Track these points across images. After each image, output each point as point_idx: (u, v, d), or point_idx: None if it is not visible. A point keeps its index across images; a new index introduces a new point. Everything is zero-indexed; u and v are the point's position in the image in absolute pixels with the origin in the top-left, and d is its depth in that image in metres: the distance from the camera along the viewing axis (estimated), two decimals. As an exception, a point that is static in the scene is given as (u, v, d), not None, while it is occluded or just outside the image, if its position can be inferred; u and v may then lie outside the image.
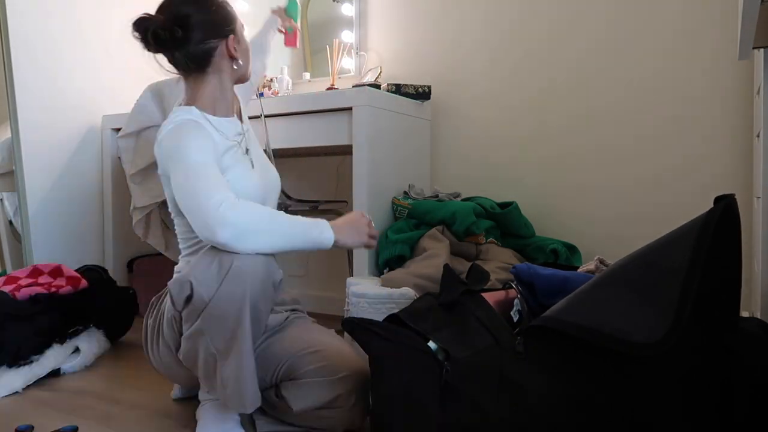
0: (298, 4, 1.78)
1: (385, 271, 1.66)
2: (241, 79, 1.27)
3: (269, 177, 1.29)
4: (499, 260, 1.63)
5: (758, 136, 1.36)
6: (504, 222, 1.73)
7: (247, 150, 1.26)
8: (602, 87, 1.80)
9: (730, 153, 1.64)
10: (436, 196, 1.88)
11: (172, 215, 1.22)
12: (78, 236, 2.25)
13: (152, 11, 1.19)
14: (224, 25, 1.19)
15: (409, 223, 1.76)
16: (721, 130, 1.65)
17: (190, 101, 1.22)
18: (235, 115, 1.29)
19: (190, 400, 1.37)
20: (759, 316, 1.24)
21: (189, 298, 1.03)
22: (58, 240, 2.18)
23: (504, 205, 1.76)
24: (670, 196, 1.71)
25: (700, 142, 1.67)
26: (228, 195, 1.03)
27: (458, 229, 1.67)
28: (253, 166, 1.24)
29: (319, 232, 1.06)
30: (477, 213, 1.70)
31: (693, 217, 0.92)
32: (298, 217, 1.07)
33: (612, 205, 1.79)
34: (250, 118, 1.90)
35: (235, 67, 1.22)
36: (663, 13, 1.71)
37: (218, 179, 1.06)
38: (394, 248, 1.65)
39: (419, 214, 1.74)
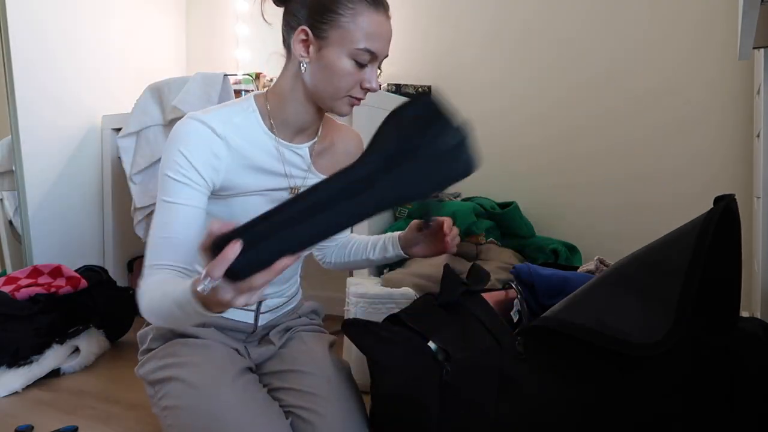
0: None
1: (385, 270, 1.66)
2: (318, 102, 0.99)
3: None
4: (499, 260, 1.63)
5: (758, 136, 1.36)
6: (504, 222, 1.73)
7: (295, 192, 1.04)
8: (602, 87, 1.80)
9: (729, 153, 1.64)
10: (437, 196, 1.88)
11: None
12: (78, 236, 2.25)
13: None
14: (312, 12, 0.94)
15: (409, 222, 1.76)
16: (721, 130, 1.64)
17: (272, 87, 1.03)
18: (308, 148, 1.05)
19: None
20: (759, 316, 1.24)
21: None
22: (58, 240, 2.18)
23: (504, 205, 1.77)
24: (671, 195, 1.71)
25: (700, 142, 1.67)
26: (154, 264, 0.90)
27: (458, 228, 1.68)
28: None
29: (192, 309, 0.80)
30: (477, 213, 1.70)
31: (693, 216, 0.92)
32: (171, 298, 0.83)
33: (612, 205, 1.79)
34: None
35: (302, 69, 0.96)
36: (662, 13, 1.71)
37: (165, 241, 0.90)
38: None
39: (419, 215, 1.75)
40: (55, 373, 1.57)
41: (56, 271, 1.79)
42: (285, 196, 1.03)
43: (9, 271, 2.04)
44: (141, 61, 2.48)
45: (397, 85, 1.88)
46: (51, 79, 2.14)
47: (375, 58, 0.96)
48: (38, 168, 2.11)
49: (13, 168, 2.07)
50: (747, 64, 1.60)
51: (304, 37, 0.95)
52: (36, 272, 1.79)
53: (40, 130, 2.11)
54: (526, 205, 1.90)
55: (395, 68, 2.18)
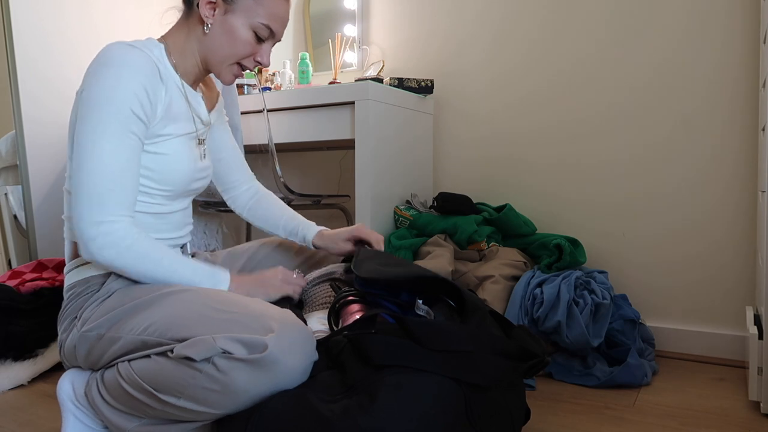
0: None
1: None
2: (208, 63, 1.05)
3: (205, 174, 1.14)
4: (505, 258, 1.63)
5: (763, 129, 1.35)
6: (503, 225, 1.74)
7: (201, 141, 1.12)
8: (605, 80, 1.79)
9: (734, 146, 1.63)
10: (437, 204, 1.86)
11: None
12: (82, 231, 2.26)
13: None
14: None
15: (411, 231, 1.77)
16: (726, 122, 1.63)
17: (164, 36, 1.06)
18: (203, 98, 1.12)
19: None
20: (763, 310, 1.24)
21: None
22: (63, 235, 2.19)
23: (499, 209, 1.77)
24: (672, 188, 1.70)
25: (703, 134, 1.66)
26: (119, 221, 0.91)
27: (460, 238, 1.69)
28: (203, 157, 1.11)
29: (212, 284, 0.99)
30: (477, 222, 1.71)
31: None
32: (193, 266, 0.97)
33: (614, 199, 1.78)
34: (252, 112, 1.92)
35: (205, 31, 1.02)
36: (666, 6, 1.69)
37: (121, 177, 0.91)
38: (397, 254, 1.66)
39: (420, 225, 1.76)
40: (60, 366, 1.58)
41: (61, 266, 1.80)
42: (194, 141, 1.08)
43: (14, 265, 2.05)
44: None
45: (400, 79, 1.87)
46: (55, 74, 2.15)
47: (272, 36, 1.05)
48: (42, 162, 2.12)
49: (18, 162, 2.08)
50: (752, 56, 1.59)
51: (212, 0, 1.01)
52: (41, 266, 1.80)
53: (44, 125, 2.12)
54: (531, 198, 1.89)
55: (398, 62, 2.17)
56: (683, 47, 1.68)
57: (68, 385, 1.01)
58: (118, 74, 0.91)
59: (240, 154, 1.28)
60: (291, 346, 0.82)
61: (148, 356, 0.88)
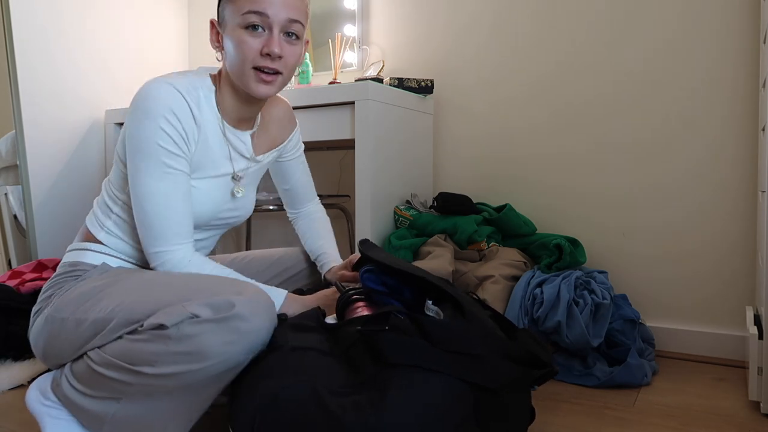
0: None
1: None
2: (238, 85, 1.03)
3: (239, 211, 1.17)
4: (504, 258, 1.63)
5: (763, 129, 1.35)
6: (503, 225, 1.74)
7: (237, 178, 1.12)
8: (604, 81, 1.79)
9: (734, 146, 1.63)
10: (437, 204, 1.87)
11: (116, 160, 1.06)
12: (82, 231, 2.26)
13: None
14: (224, 4, 1.01)
15: (411, 231, 1.77)
16: (725, 122, 1.63)
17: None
18: (250, 135, 1.13)
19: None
20: (763, 310, 1.24)
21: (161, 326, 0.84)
22: (63, 234, 2.19)
23: (499, 209, 1.77)
24: (672, 189, 1.70)
25: (702, 135, 1.66)
26: (176, 249, 0.98)
27: (460, 238, 1.69)
28: (236, 194, 1.12)
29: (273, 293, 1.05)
30: (477, 222, 1.71)
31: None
32: (244, 281, 1.00)
33: (614, 199, 1.78)
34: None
35: (219, 59, 1.06)
36: (666, 5, 1.69)
37: (168, 210, 0.97)
38: (397, 254, 1.66)
39: (420, 225, 1.75)
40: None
41: (61, 266, 1.80)
42: (228, 181, 1.10)
43: (14, 265, 2.05)
44: (144, 55, 2.47)
45: (400, 79, 1.87)
46: (54, 74, 2.15)
47: (267, 18, 0.97)
48: (42, 162, 2.12)
49: (18, 162, 2.08)
50: (752, 56, 1.59)
51: (213, 29, 1.05)
52: (40, 266, 1.80)
53: (44, 125, 2.12)
54: (531, 199, 1.89)
55: (398, 62, 2.17)
56: (683, 47, 1.68)
57: (34, 392, 1.02)
58: (153, 118, 0.95)
59: (307, 183, 1.35)
60: (256, 306, 0.86)
61: (120, 337, 0.89)
